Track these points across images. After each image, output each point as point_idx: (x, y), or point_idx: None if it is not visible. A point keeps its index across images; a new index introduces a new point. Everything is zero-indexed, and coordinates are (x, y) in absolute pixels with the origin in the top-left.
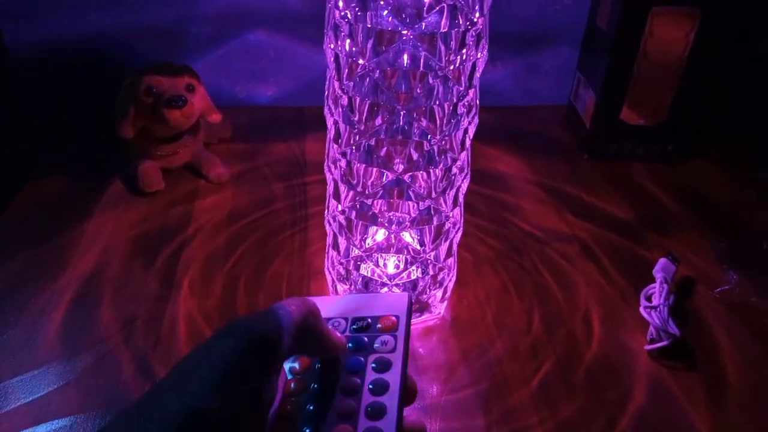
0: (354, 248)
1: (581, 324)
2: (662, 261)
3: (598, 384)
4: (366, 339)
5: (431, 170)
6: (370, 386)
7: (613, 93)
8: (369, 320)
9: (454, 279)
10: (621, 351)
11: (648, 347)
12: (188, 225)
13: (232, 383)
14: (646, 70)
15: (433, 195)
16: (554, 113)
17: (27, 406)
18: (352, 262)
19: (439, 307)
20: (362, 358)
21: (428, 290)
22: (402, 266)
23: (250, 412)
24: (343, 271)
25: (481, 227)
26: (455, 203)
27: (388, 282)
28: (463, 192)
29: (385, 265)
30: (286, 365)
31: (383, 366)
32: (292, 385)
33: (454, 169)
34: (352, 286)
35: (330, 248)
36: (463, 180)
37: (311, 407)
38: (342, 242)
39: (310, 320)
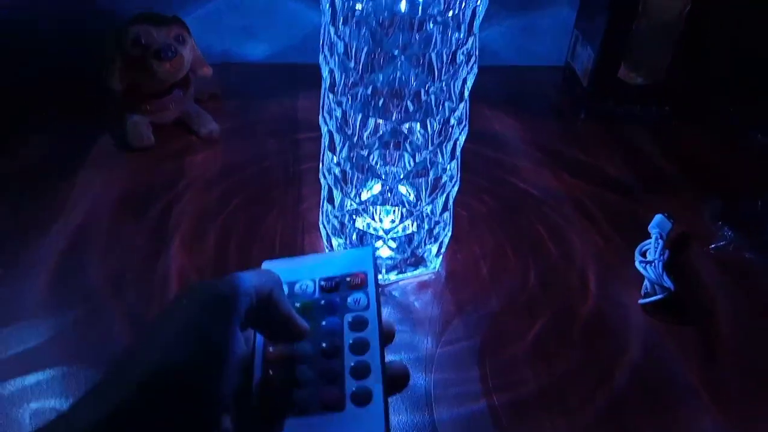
0: (349, 201)
1: (576, 280)
2: (658, 217)
3: (592, 339)
4: (338, 299)
5: (429, 121)
6: (350, 347)
7: (611, 51)
8: (337, 279)
9: (449, 234)
10: (615, 306)
11: (642, 301)
12: (179, 181)
13: (190, 340)
14: (645, 27)
15: (430, 147)
16: (551, 73)
17: (17, 356)
18: (347, 215)
19: (434, 261)
20: (338, 320)
21: (423, 244)
22: (398, 220)
23: (214, 369)
24: (338, 225)
25: (476, 185)
26: (452, 156)
27: (384, 236)
28: (461, 145)
29: (380, 219)
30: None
31: (360, 325)
32: (271, 349)
33: (452, 121)
34: (347, 240)
35: (324, 202)
36: (461, 132)
37: (295, 373)
38: (337, 195)
39: (275, 291)
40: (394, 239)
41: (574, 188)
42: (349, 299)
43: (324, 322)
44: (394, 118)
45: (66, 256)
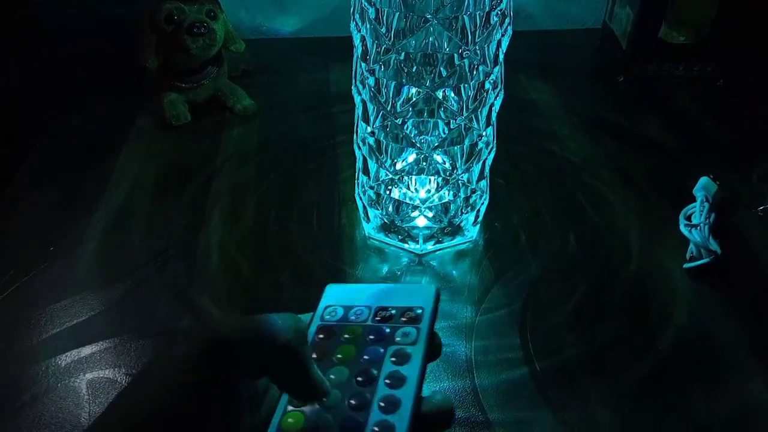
0: (384, 171)
1: (618, 245)
2: (703, 179)
3: (635, 304)
4: (387, 330)
5: (463, 86)
6: (387, 379)
7: (651, 9)
8: (393, 311)
9: (486, 202)
10: (659, 271)
11: (687, 265)
12: (216, 157)
13: (179, 389)
14: None
15: (465, 113)
16: (588, 36)
17: (72, 329)
18: (382, 185)
19: (471, 230)
20: (381, 349)
21: (460, 213)
22: (434, 189)
23: (203, 422)
24: (373, 196)
25: (513, 153)
26: (488, 122)
27: (420, 205)
28: (496, 110)
29: (416, 188)
30: None
31: (402, 359)
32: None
33: (487, 85)
34: (383, 211)
35: (359, 173)
36: (496, 97)
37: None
38: (372, 166)
39: (294, 341)
40: (430, 209)
41: (614, 153)
42: (399, 332)
43: (367, 350)
44: (427, 84)
45: (110, 232)
